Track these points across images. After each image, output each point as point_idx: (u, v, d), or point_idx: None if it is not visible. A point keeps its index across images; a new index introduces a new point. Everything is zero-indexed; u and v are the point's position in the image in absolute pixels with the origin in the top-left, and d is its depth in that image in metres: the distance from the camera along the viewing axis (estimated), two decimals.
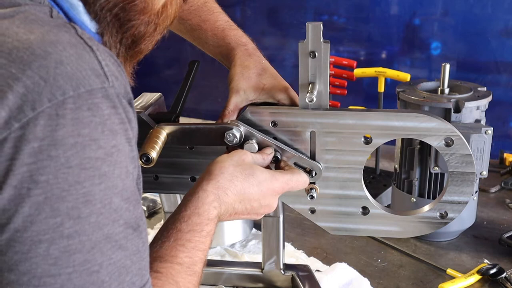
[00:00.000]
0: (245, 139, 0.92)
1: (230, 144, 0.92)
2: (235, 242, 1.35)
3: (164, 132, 0.91)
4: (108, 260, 0.58)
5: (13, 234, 0.54)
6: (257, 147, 0.92)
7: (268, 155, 0.91)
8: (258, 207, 0.86)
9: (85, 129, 0.55)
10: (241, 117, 0.94)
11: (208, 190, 0.81)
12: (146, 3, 0.71)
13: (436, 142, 0.91)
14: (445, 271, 1.21)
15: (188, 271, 0.73)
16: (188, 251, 0.74)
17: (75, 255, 0.56)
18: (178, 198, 1.13)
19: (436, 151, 1.22)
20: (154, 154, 0.85)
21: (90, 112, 0.56)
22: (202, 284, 1.17)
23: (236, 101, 0.96)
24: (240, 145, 0.92)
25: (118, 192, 0.59)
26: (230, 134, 0.91)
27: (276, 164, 0.94)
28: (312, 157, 0.94)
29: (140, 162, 0.82)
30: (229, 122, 0.94)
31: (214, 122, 0.95)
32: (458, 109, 1.22)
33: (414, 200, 1.30)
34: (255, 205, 0.85)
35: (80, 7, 0.67)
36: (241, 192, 0.83)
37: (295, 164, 0.94)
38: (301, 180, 0.91)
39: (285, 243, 1.14)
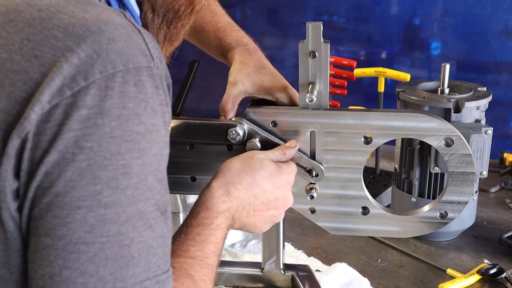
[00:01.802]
0: (248, 137, 0.92)
1: (233, 142, 0.92)
2: (235, 242, 1.35)
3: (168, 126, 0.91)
4: (139, 237, 0.59)
5: (53, 198, 0.56)
6: (260, 146, 0.92)
7: (292, 149, 0.92)
8: (275, 200, 0.86)
9: (130, 103, 0.58)
10: (242, 116, 0.94)
11: (216, 186, 0.82)
12: None
13: (436, 142, 0.91)
14: (445, 271, 1.21)
15: (202, 264, 0.73)
16: (199, 244, 0.75)
17: (110, 225, 0.57)
18: (178, 198, 1.13)
19: (436, 151, 1.22)
20: None
21: (136, 88, 0.59)
22: None
23: (234, 93, 0.96)
24: (243, 143, 0.92)
25: (153, 170, 0.61)
26: (234, 132, 0.91)
27: None
28: (312, 157, 0.94)
29: None
30: (233, 119, 0.94)
31: (218, 119, 0.95)
32: (458, 109, 1.22)
33: (414, 200, 1.30)
34: (271, 197, 0.85)
35: None
36: (252, 185, 0.83)
37: (297, 164, 0.94)
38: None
39: (285, 243, 1.13)
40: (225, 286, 1.16)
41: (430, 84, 1.35)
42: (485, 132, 1.16)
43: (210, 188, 0.82)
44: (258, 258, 1.15)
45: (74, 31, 0.58)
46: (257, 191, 0.84)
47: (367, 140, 0.93)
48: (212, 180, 0.83)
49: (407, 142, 1.29)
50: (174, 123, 0.92)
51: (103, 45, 0.58)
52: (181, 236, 0.76)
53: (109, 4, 0.69)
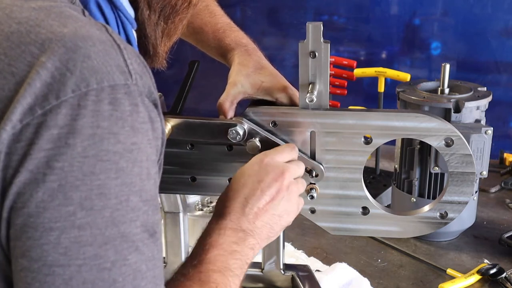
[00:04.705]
0: (249, 137, 0.92)
1: (233, 141, 0.92)
2: None
3: (169, 124, 0.91)
4: (123, 260, 0.58)
5: (26, 219, 0.55)
6: (260, 146, 0.92)
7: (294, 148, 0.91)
8: (286, 212, 0.87)
9: (104, 121, 0.57)
10: (242, 116, 0.94)
11: (233, 226, 0.82)
12: None
13: (436, 142, 0.91)
14: (445, 271, 1.21)
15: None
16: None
17: (85, 248, 0.56)
18: (178, 198, 1.13)
19: (436, 151, 1.22)
20: None
21: (111, 106, 0.57)
22: None
23: (233, 92, 0.95)
24: (243, 142, 0.92)
25: (136, 191, 0.59)
26: (234, 131, 0.91)
27: None
28: (312, 157, 0.94)
29: None
30: (233, 118, 0.94)
31: (219, 118, 0.95)
32: (458, 109, 1.22)
33: (414, 200, 1.30)
34: (282, 211, 0.86)
35: None
36: (265, 212, 0.83)
37: None
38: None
39: (285, 243, 1.13)
40: None
41: (430, 84, 1.35)
42: (485, 132, 1.16)
43: (236, 229, 0.81)
44: (258, 258, 1.15)
45: (50, 47, 0.57)
46: (271, 214, 0.84)
47: (367, 140, 0.93)
48: (227, 214, 0.82)
49: (407, 142, 1.29)
50: (174, 122, 0.92)
51: (78, 62, 0.56)
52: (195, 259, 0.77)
53: (100, 8, 0.68)
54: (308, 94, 0.89)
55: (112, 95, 0.57)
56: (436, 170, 1.24)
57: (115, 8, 0.70)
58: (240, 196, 0.83)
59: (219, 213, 0.82)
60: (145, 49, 0.78)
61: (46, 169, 0.55)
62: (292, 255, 1.28)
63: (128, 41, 0.72)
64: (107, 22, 0.69)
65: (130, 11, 0.73)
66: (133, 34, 0.74)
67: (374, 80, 1.60)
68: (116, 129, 0.57)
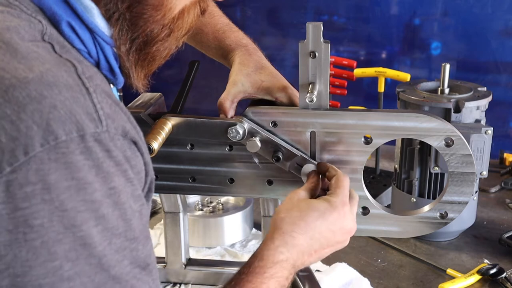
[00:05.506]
0: (249, 136, 0.93)
1: (233, 140, 0.92)
2: (235, 242, 1.35)
3: (170, 123, 0.92)
4: None
5: (13, 279, 0.54)
6: (260, 145, 0.92)
7: (312, 179, 0.91)
8: (332, 236, 0.85)
9: (78, 172, 0.55)
10: (241, 116, 0.94)
11: (274, 237, 0.81)
12: (161, 1, 0.70)
13: (436, 142, 0.91)
14: (445, 271, 1.21)
15: None
16: None
17: None
18: (178, 198, 1.13)
19: (436, 151, 1.22)
20: (155, 145, 0.86)
21: (83, 156, 0.55)
22: (202, 284, 1.18)
23: (233, 92, 0.95)
24: (243, 141, 0.92)
25: (119, 233, 0.58)
26: (233, 130, 0.91)
27: (278, 163, 0.94)
28: (312, 157, 0.94)
29: None
30: (233, 118, 0.94)
31: (219, 117, 0.95)
32: (458, 109, 1.22)
33: (414, 200, 1.30)
34: (329, 235, 0.84)
35: (94, 9, 0.66)
36: (306, 229, 0.82)
37: (297, 164, 0.94)
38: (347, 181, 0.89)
39: None
40: None
41: (430, 84, 1.35)
42: (485, 132, 1.16)
43: (266, 240, 0.81)
44: None
45: (14, 96, 0.54)
46: (312, 233, 0.82)
47: (367, 140, 0.93)
48: (269, 234, 0.83)
49: (407, 142, 1.29)
50: (174, 121, 0.92)
51: (44, 114, 0.54)
52: (231, 284, 0.75)
53: (73, 29, 0.64)
54: (308, 94, 0.89)
55: (83, 144, 0.55)
56: (436, 170, 1.24)
57: (90, 30, 0.67)
58: (308, 237, 0.82)
59: (279, 240, 0.81)
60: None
61: (25, 227, 0.53)
62: None
63: (108, 63, 0.69)
64: (83, 43, 0.66)
65: (106, 31, 0.69)
66: (113, 54, 0.71)
67: (374, 80, 1.60)
68: (91, 178, 0.56)
